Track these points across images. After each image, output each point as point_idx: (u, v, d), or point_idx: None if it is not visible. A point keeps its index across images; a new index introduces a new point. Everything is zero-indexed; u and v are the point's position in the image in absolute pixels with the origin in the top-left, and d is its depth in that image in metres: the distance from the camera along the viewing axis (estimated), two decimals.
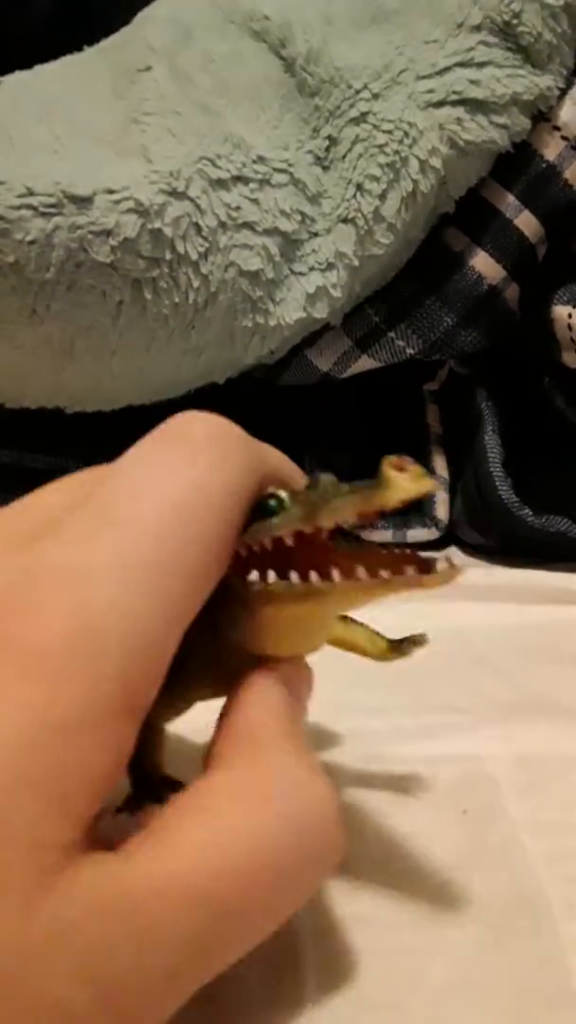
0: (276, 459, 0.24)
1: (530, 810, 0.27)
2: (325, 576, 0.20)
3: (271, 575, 0.21)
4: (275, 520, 0.21)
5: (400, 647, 0.28)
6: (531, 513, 0.49)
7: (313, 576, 0.20)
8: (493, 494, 0.49)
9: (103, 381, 0.44)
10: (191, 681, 0.23)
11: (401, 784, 0.28)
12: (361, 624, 0.28)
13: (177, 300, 0.42)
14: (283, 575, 0.21)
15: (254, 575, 0.21)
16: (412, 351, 0.49)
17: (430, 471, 0.53)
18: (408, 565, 0.20)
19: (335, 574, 0.20)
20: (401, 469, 0.19)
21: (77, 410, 0.46)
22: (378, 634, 0.28)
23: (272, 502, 0.21)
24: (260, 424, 0.55)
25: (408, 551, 0.20)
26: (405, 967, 0.22)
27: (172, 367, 0.45)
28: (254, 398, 0.50)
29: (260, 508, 0.21)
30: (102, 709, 0.18)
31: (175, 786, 0.23)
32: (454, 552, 0.53)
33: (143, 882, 0.17)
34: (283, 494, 0.21)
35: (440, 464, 0.53)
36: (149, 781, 0.23)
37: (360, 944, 0.23)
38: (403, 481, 0.19)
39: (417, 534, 0.53)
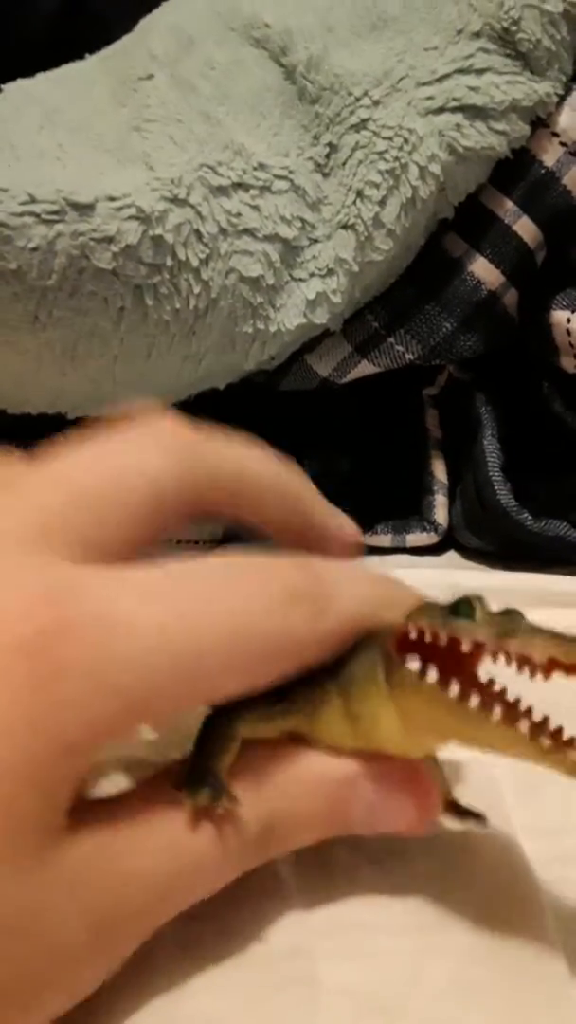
0: (220, 458, 0.25)
1: (530, 813, 0.27)
2: (486, 704, 0.21)
3: (431, 673, 0.21)
4: (465, 622, 0.21)
5: (459, 811, 0.27)
6: (530, 517, 0.49)
7: (474, 699, 0.21)
8: (492, 498, 0.50)
9: (105, 386, 0.45)
10: (290, 716, 0.23)
11: None
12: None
13: (178, 306, 0.42)
14: (445, 678, 0.21)
15: (414, 663, 0.21)
16: (412, 356, 0.49)
17: (430, 475, 0.54)
18: (571, 749, 0.20)
19: (497, 712, 0.20)
20: None
21: (78, 415, 0.46)
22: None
23: (465, 606, 0.22)
24: (260, 429, 0.56)
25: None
26: (403, 970, 0.22)
27: (173, 372, 0.45)
28: (254, 403, 0.50)
29: (456, 604, 0.22)
30: None
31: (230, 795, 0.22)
32: (452, 556, 0.53)
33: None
34: (477, 602, 0.22)
35: (439, 468, 0.54)
36: (216, 782, 0.23)
37: (358, 947, 0.23)
38: None
39: (416, 538, 0.53)
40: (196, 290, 0.42)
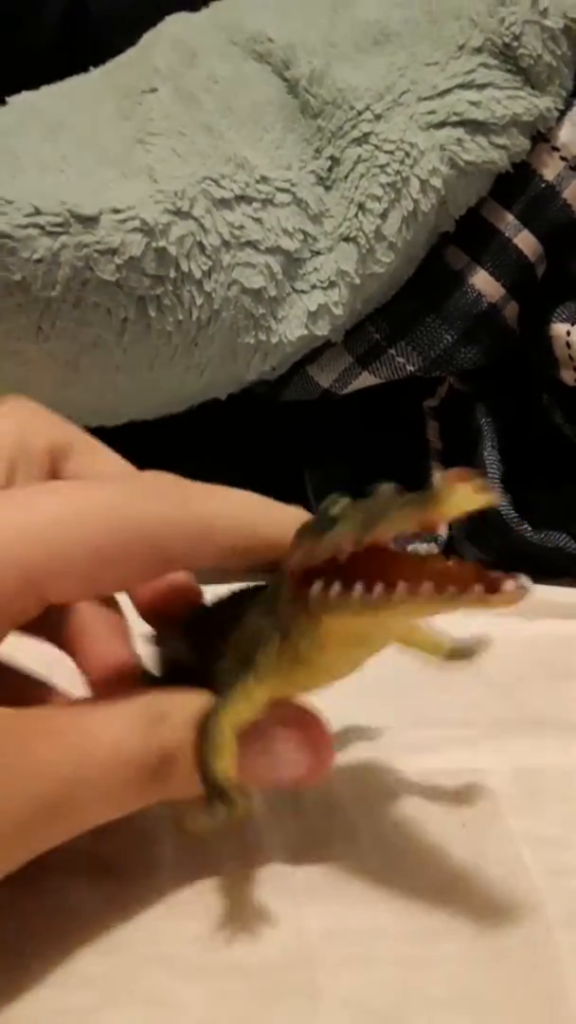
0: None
1: (529, 824, 0.27)
2: (391, 588, 0.20)
3: (336, 587, 0.21)
4: (329, 535, 0.21)
5: (463, 650, 0.28)
6: (530, 528, 0.49)
7: (378, 588, 0.20)
8: (492, 509, 0.50)
9: (107, 397, 0.45)
10: (259, 685, 0.23)
11: (400, 798, 0.29)
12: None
13: (181, 317, 0.43)
14: (349, 585, 0.21)
15: (316, 586, 0.21)
16: (412, 368, 0.49)
17: (429, 486, 0.54)
18: (476, 583, 0.20)
19: (401, 587, 0.20)
20: (462, 481, 0.19)
21: (80, 425, 0.47)
22: (439, 637, 0.27)
23: (333, 510, 0.21)
24: (261, 439, 0.56)
25: (476, 565, 0.20)
26: (404, 979, 0.22)
27: (175, 383, 0.46)
28: (255, 414, 0.51)
29: (320, 517, 0.21)
30: None
31: (245, 793, 0.22)
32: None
33: None
34: (342, 502, 0.21)
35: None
36: (222, 790, 0.22)
37: (359, 956, 0.23)
38: (464, 491, 0.19)
39: (417, 549, 0.53)
40: (199, 302, 0.43)
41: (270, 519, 0.25)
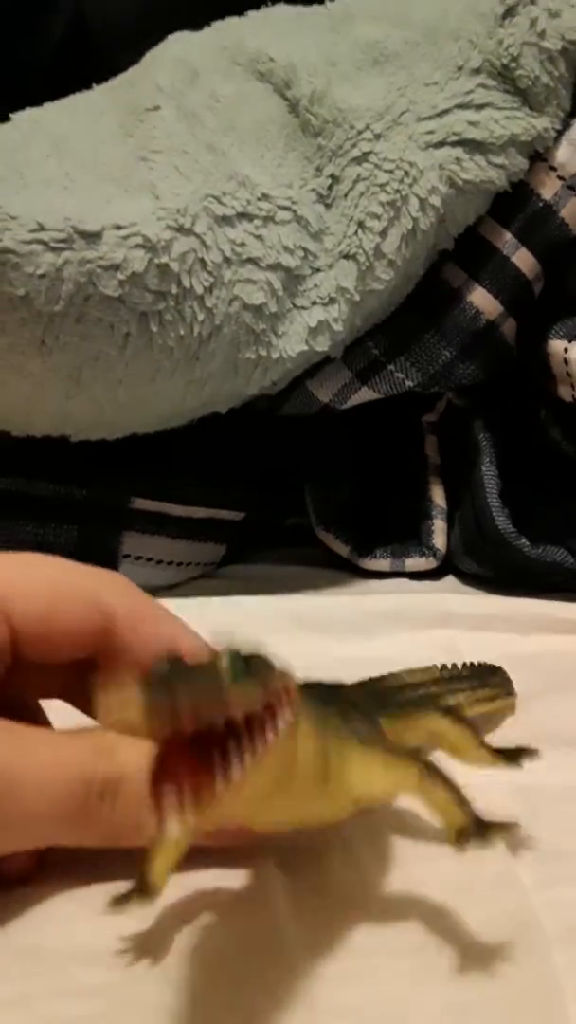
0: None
1: (526, 839, 0.27)
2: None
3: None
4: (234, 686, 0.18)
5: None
6: (528, 543, 0.49)
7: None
8: (490, 524, 0.50)
9: (109, 410, 0.45)
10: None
11: (398, 812, 0.29)
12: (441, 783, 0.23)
13: (182, 332, 0.43)
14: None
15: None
16: (411, 383, 0.50)
17: (428, 501, 0.54)
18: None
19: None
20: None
21: (82, 438, 0.47)
22: (461, 803, 0.23)
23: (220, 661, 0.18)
24: (261, 453, 0.57)
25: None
26: (399, 992, 0.22)
27: (176, 397, 0.46)
28: (255, 428, 0.51)
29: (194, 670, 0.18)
30: None
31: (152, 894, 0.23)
32: (451, 581, 0.53)
33: None
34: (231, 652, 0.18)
35: (438, 494, 0.54)
36: (145, 886, 0.23)
37: (353, 969, 0.23)
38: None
39: (415, 563, 0.53)
40: (200, 317, 0.43)
41: (71, 607, 0.25)
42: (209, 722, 0.17)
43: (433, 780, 0.23)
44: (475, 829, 0.23)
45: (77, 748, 0.23)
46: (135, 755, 0.24)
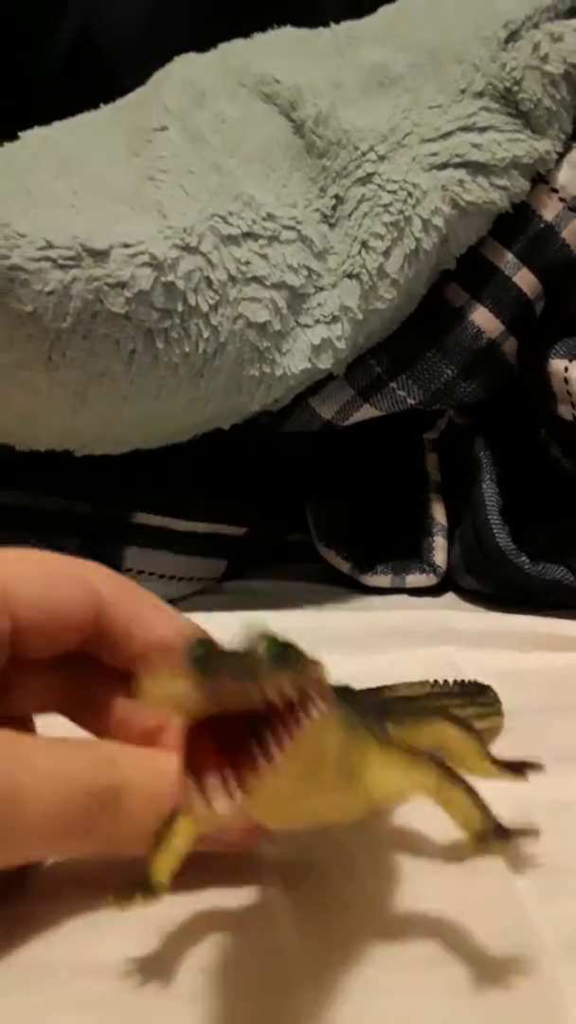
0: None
1: (526, 853, 0.27)
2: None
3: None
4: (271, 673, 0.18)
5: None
6: (528, 561, 0.50)
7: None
8: (491, 541, 0.50)
9: (114, 426, 0.46)
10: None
11: (397, 826, 0.29)
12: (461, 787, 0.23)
13: (188, 350, 0.44)
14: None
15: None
16: (413, 401, 0.50)
17: (429, 518, 0.54)
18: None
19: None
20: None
21: (86, 453, 0.47)
22: (480, 807, 0.23)
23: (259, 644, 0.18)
24: (263, 469, 0.57)
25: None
26: (400, 1007, 0.22)
27: (180, 413, 0.46)
28: (258, 444, 0.51)
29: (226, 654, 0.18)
30: None
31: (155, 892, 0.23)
32: (451, 598, 0.54)
33: None
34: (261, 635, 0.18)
35: (439, 511, 0.54)
36: (148, 882, 0.23)
37: (355, 984, 0.23)
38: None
39: (416, 579, 0.53)
40: (205, 335, 0.44)
41: (66, 591, 0.26)
42: (250, 702, 0.17)
43: (452, 783, 0.23)
44: (495, 834, 0.23)
45: (77, 758, 0.23)
46: (136, 765, 0.24)
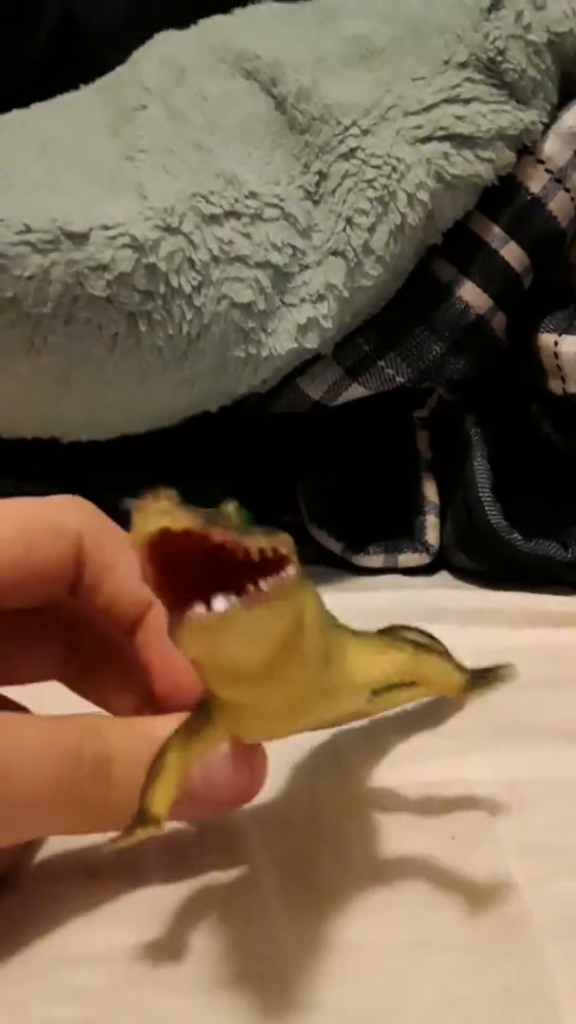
0: None
1: (518, 835, 0.27)
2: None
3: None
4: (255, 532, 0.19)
5: (484, 679, 0.25)
6: (520, 537, 0.50)
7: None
8: (483, 519, 0.50)
9: (98, 411, 0.45)
10: (209, 725, 0.23)
11: (390, 809, 0.29)
12: (434, 652, 0.24)
13: (171, 332, 0.43)
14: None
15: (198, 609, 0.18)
16: (402, 379, 0.50)
17: (421, 496, 0.54)
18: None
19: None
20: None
21: (72, 440, 0.47)
22: (456, 664, 0.24)
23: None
24: (252, 452, 0.56)
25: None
26: (392, 990, 0.23)
27: (166, 397, 0.46)
28: (246, 426, 0.51)
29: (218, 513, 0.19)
30: None
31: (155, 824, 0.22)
32: (444, 576, 0.54)
33: None
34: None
35: (430, 489, 0.54)
36: (146, 816, 0.22)
37: (348, 967, 0.23)
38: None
39: (408, 558, 0.53)
40: (189, 316, 0.43)
41: (45, 546, 0.26)
42: (229, 544, 0.18)
43: (426, 651, 0.24)
44: (477, 681, 0.24)
45: (64, 729, 0.23)
46: (122, 734, 0.24)
